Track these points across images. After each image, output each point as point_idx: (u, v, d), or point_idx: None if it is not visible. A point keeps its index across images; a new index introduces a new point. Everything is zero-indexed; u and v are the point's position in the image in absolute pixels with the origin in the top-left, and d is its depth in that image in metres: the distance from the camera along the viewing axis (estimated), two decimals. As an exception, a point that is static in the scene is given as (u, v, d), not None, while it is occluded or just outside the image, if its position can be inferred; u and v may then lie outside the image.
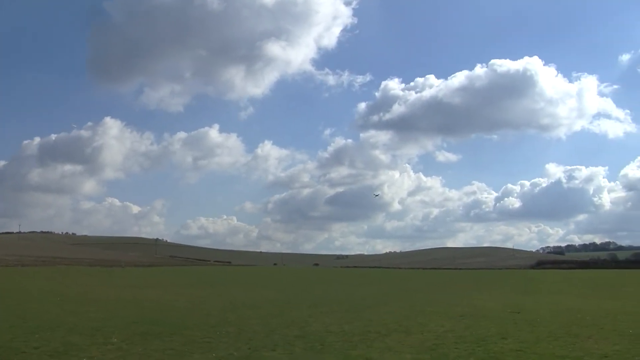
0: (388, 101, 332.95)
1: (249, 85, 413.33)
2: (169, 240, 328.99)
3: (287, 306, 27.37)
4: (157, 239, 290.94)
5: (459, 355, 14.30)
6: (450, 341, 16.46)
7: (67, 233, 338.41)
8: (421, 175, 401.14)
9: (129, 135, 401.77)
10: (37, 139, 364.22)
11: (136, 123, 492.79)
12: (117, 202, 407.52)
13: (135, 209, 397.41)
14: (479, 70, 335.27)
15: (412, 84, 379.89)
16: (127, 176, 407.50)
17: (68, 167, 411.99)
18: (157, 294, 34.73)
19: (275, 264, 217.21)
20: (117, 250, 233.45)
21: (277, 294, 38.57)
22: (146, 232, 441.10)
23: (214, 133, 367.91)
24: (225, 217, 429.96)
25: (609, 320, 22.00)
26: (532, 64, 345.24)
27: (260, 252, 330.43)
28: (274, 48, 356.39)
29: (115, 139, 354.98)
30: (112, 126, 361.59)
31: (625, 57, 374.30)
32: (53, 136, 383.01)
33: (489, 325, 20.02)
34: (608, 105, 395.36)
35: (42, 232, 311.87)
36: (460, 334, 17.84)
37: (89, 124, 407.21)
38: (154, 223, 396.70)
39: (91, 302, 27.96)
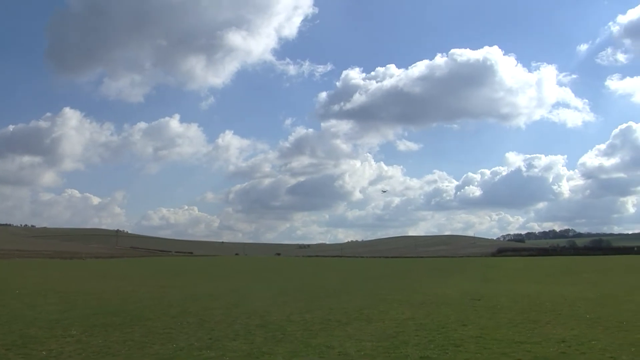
0: (349, 91, 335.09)
1: (210, 75, 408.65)
2: (129, 232, 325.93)
3: (249, 296, 27.33)
4: (117, 230, 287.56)
5: (419, 342, 14.43)
6: (410, 329, 16.63)
7: (26, 225, 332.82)
8: (382, 164, 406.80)
9: (88, 126, 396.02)
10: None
11: (96, 113, 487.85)
12: (77, 193, 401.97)
13: (96, 200, 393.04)
14: (439, 59, 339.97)
15: (372, 73, 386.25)
16: (87, 167, 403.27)
17: (27, 159, 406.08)
18: (118, 286, 34.24)
19: (237, 254, 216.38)
20: (77, 242, 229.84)
21: (239, 283, 38.48)
22: (107, 223, 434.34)
23: (174, 123, 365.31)
24: (186, 207, 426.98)
25: (567, 305, 22.53)
26: (492, 53, 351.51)
27: (222, 242, 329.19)
28: (234, 38, 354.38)
29: (74, 130, 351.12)
30: (72, 117, 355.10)
31: (583, 47, 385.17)
32: (11, 127, 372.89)
33: (450, 313, 20.30)
34: (567, 94, 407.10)
35: (0, 224, 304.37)
36: (421, 322, 18.04)
37: (48, 114, 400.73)
38: (115, 214, 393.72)
39: (50, 294, 27.39)
